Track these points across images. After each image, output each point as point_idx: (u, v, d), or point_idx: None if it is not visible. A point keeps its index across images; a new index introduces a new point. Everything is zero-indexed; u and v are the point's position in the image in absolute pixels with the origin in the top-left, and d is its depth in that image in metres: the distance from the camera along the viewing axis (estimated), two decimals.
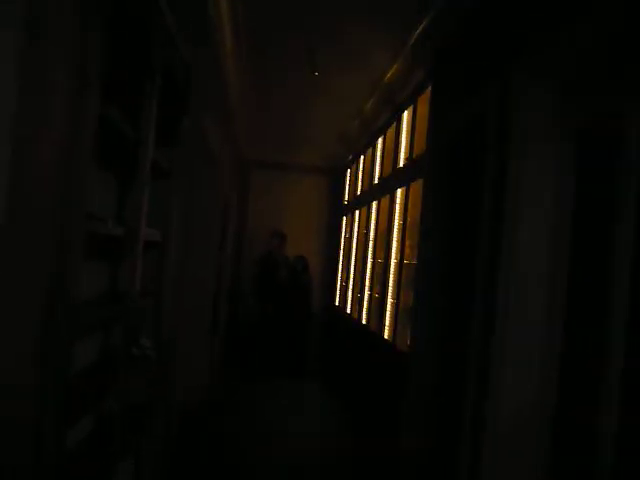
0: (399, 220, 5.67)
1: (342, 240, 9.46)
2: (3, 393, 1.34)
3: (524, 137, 2.87)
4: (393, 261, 5.74)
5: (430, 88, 4.71)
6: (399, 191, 5.71)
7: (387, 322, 5.76)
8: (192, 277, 4.64)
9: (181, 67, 2.63)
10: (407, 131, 5.64)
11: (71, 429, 1.74)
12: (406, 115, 5.69)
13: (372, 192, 7.05)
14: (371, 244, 6.99)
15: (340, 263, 9.46)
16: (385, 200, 6.24)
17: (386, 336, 5.72)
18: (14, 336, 1.38)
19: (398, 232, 5.67)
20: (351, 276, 8.33)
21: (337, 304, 9.31)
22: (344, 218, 9.38)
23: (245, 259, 9.57)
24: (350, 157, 8.97)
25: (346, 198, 9.40)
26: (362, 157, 8.08)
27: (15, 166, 1.28)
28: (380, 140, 6.88)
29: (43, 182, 1.44)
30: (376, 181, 6.91)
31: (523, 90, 2.85)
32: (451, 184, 3.97)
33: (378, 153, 6.97)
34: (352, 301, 8.13)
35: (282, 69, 5.94)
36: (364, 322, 6.96)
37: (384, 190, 6.29)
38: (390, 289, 5.76)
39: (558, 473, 2.74)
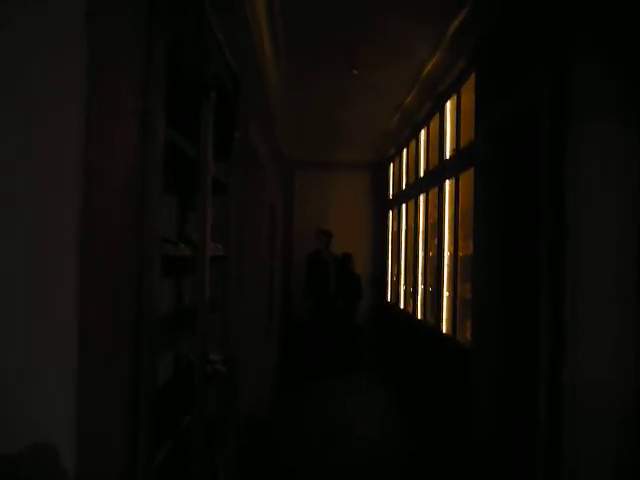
0: (450, 212, 5.59)
1: (390, 235, 9.39)
2: (98, 415, 1.35)
3: (581, 119, 2.79)
4: (446, 254, 5.68)
5: (474, 76, 4.64)
6: (448, 182, 5.63)
7: (444, 316, 5.69)
8: (247, 285, 4.66)
9: (231, 80, 2.63)
10: (451, 121, 5.56)
11: (159, 447, 1.75)
12: (449, 105, 5.61)
13: (418, 185, 6.99)
14: (421, 237, 6.93)
15: (389, 258, 9.40)
16: (433, 192, 6.16)
17: (444, 330, 5.66)
18: (104, 362, 1.39)
19: (450, 224, 5.59)
20: (402, 271, 8.27)
21: (389, 300, 9.26)
22: (390, 213, 9.32)
23: (294, 260, 9.59)
24: (393, 151, 8.90)
25: (391, 192, 9.34)
26: (405, 150, 8.02)
27: (89, 196, 1.28)
28: (423, 132, 6.81)
29: (118, 210, 1.45)
30: (422, 174, 6.84)
31: (581, 72, 2.77)
32: (504, 171, 3.90)
33: (422, 145, 6.90)
34: (405, 296, 8.07)
35: (321, 69, 5.91)
36: (419, 317, 6.90)
37: (432, 182, 6.22)
38: (445, 282, 5.69)
39: None
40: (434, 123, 6.21)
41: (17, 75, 1.25)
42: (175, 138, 1.91)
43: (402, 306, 8.16)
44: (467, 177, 4.96)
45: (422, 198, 6.83)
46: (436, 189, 5.97)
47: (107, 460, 1.44)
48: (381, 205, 9.74)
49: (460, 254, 5.22)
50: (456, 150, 5.30)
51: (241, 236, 3.50)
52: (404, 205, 8.11)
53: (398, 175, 8.60)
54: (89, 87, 1.27)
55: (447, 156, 5.65)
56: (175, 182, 2.52)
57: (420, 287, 6.92)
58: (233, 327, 3.11)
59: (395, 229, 8.93)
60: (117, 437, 1.51)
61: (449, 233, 5.62)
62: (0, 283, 1.23)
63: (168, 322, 2.31)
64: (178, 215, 2.67)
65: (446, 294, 5.68)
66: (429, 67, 5.51)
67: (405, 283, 8.09)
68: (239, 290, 3.53)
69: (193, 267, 2.27)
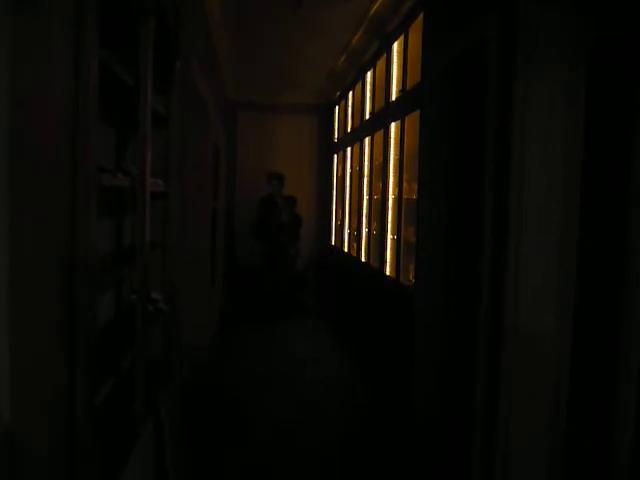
0: (395, 155, 5.57)
1: (335, 178, 9.36)
2: (35, 356, 1.29)
3: (529, 59, 2.77)
4: (391, 197, 5.68)
5: (422, 16, 4.56)
6: (393, 125, 5.59)
7: (388, 259, 5.73)
8: (189, 225, 4.57)
9: (172, 10, 2.50)
10: (398, 63, 5.49)
11: (99, 387, 1.70)
12: (396, 46, 5.53)
13: (364, 128, 6.93)
14: (366, 180, 6.91)
15: (334, 202, 9.39)
16: (379, 135, 6.12)
17: (388, 272, 5.71)
18: (38, 302, 1.32)
19: (395, 167, 5.58)
20: (347, 214, 8.27)
21: (333, 243, 9.29)
22: (335, 156, 9.26)
23: (237, 203, 9.48)
24: (338, 94, 8.79)
25: (336, 136, 9.26)
26: (351, 93, 7.92)
27: (19, 120, 1.19)
28: (369, 74, 6.72)
29: (51, 135, 1.35)
30: (367, 116, 6.77)
31: (528, 13, 2.74)
32: (450, 112, 3.88)
33: (368, 88, 6.81)
34: (349, 240, 8.10)
35: (265, 8, 5.72)
36: (363, 260, 6.94)
37: (377, 125, 6.17)
38: (389, 225, 5.71)
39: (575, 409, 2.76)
40: (381, 64, 6.12)
41: None
42: (111, 65, 1.80)
43: (346, 249, 8.20)
44: (413, 119, 4.94)
45: (367, 141, 6.78)
46: (381, 132, 5.93)
47: (43, 402, 1.39)
48: (326, 149, 9.66)
49: (405, 197, 5.23)
50: (402, 92, 5.25)
51: (183, 174, 3.40)
52: (349, 148, 8.06)
53: (344, 118, 8.51)
54: (16, 10, 1.17)
55: (393, 98, 5.60)
56: (113, 113, 2.41)
57: (364, 230, 6.94)
58: (175, 267, 3.04)
59: (340, 173, 8.89)
60: (53, 377, 1.45)
61: (394, 176, 5.62)
62: None
63: (108, 262, 2.23)
64: (116, 149, 2.56)
65: (390, 237, 5.71)
66: (376, 6, 5.40)
67: (349, 227, 8.11)
68: (181, 229, 3.45)
69: (133, 204, 2.19)
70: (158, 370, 2.72)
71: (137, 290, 2.17)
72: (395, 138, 5.58)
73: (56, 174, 1.38)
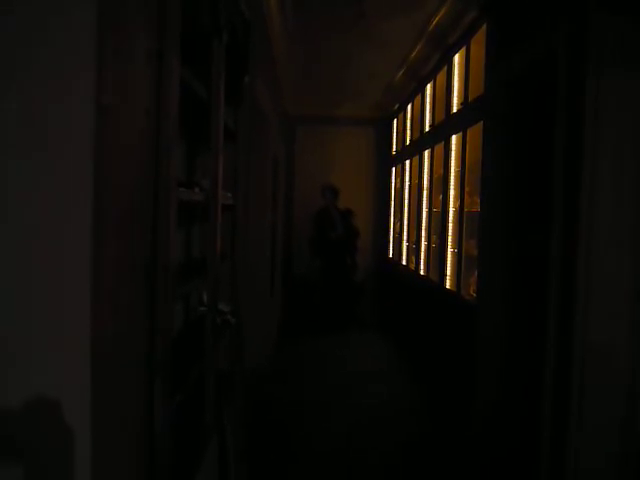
0: (456, 167, 5.52)
1: (392, 191, 9.32)
2: (113, 362, 1.32)
3: (600, 72, 2.71)
4: (451, 209, 5.62)
5: (485, 27, 4.52)
6: (454, 137, 5.55)
7: (448, 272, 5.67)
8: (252, 238, 4.62)
9: (242, 24, 2.54)
10: (460, 74, 5.45)
11: (173, 398, 1.72)
12: (457, 58, 5.49)
13: (424, 140, 6.89)
14: (425, 193, 6.86)
15: (392, 215, 9.35)
16: (439, 147, 6.07)
17: (448, 286, 5.64)
18: (119, 310, 1.35)
19: (455, 179, 5.53)
20: (405, 227, 8.22)
21: (391, 256, 9.24)
22: (393, 169, 9.23)
23: (295, 216, 9.54)
24: (397, 106, 8.77)
25: (394, 148, 9.24)
26: (410, 106, 7.89)
27: (102, 137, 1.22)
28: (429, 86, 6.69)
29: (134, 150, 1.39)
30: (427, 128, 6.74)
31: (599, 23, 2.69)
32: (515, 125, 3.82)
33: (428, 100, 6.78)
34: (407, 253, 8.05)
35: (326, 20, 5.75)
36: (422, 273, 6.88)
37: (437, 137, 6.13)
38: (450, 238, 5.65)
39: None
40: (441, 77, 6.09)
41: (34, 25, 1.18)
42: (188, 78, 1.84)
43: (404, 262, 8.14)
44: (475, 131, 4.89)
45: (427, 153, 6.74)
46: (442, 144, 5.89)
47: (124, 412, 1.41)
48: (384, 161, 9.64)
49: (466, 210, 5.17)
50: (464, 104, 5.20)
51: (247, 187, 3.44)
52: (408, 161, 8.02)
53: (402, 131, 8.48)
54: (102, 27, 1.20)
55: (454, 110, 5.55)
56: (184, 127, 2.45)
57: (423, 243, 6.88)
58: (241, 279, 3.07)
59: (398, 185, 8.86)
60: (133, 388, 1.48)
61: (455, 188, 5.56)
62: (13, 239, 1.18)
63: (178, 272, 2.26)
64: (186, 162, 2.61)
65: (450, 250, 5.64)
66: (438, 18, 5.37)
67: (408, 240, 8.06)
68: (244, 242, 3.48)
69: (203, 216, 2.22)
70: (225, 383, 2.75)
71: (207, 302, 2.20)
72: (456, 150, 5.53)
73: (137, 185, 1.42)
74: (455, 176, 5.55)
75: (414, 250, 7.43)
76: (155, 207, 1.45)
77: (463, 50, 5.27)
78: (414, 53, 6.47)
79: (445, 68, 5.83)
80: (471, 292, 5.00)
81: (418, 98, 7.27)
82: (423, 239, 6.89)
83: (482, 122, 4.45)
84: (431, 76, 6.52)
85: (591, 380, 2.75)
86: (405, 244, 8.21)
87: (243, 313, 3.55)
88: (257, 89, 4.11)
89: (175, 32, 1.48)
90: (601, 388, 2.75)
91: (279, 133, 7.47)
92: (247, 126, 2.91)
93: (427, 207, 6.78)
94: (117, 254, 1.31)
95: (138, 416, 1.49)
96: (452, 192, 5.61)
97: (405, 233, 8.20)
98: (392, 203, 9.33)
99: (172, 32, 1.47)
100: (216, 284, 2.19)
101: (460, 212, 5.25)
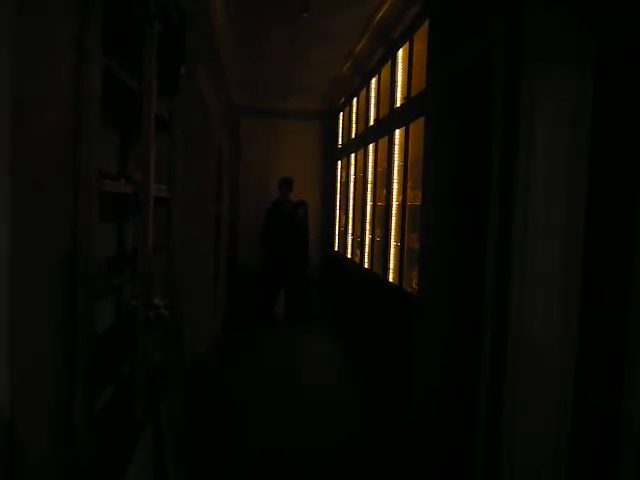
0: (399, 161, 5.57)
1: (338, 184, 9.34)
2: (33, 362, 1.28)
3: (536, 68, 2.76)
4: (395, 203, 5.67)
5: (428, 22, 4.55)
6: (398, 132, 5.59)
7: (391, 265, 5.72)
8: (193, 230, 4.56)
9: (177, 13, 2.49)
10: (403, 69, 5.49)
11: (99, 394, 1.69)
12: (401, 53, 5.53)
13: (368, 134, 6.92)
14: (370, 187, 6.90)
15: (337, 208, 9.37)
16: (383, 142, 6.11)
17: (391, 279, 5.69)
18: (37, 307, 1.31)
19: (399, 174, 5.57)
20: (350, 221, 8.26)
21: (336, 249, 9.27)
22: (339, 162, 9.25)
23: (241, 207, 9.47)
24: (342, 100, 8.78)
25: (340, 142, 9.25)
26: (355, 99, 7.91)
27: (20, 123, 1.18)
28: (374, 80, 6.72)
29: (52, 138, 1.34)
30: (372, 122, 6.77)
31: (535, 22, 2.73)
32: (455, 120, 3.86)
33: (373, 94, 6.81)
34: (352, 246, 8.08)
35: (271, 14, 5.71)
36: (366, 266, 6.92)
37: (381, 131, 6.17)
38: (393, 232, 5.70)
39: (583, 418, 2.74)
40: (385, 71, 6.12)
41: None
42: (115, 69, 1.79)
43: (349, 256, 8.18)
44: (417, 126, 4.93)
45: (372, 147, 6.77)
46: (386, 138, 5.93)
47: (43, 409, 1.37)
48: (330, 155, 9.65)
49: (408, 203, 5.22)
50: (407, 98, 5.24)
51: (187, 179, 3.39)
52: (353, 155, 8.04)
53: (348, 124, 8.51)
54: (20, 9, 1.15)
55: (398, 104, 5.59)
56: (116, 119, 2.39)
57: (367, 237, 6.92)
58: (178, 273, 3.03)
59: (344, 179, 8.88)
60: (52, 384, 1.44)
61: (398, 183, 5.61)
62: None
63: (109, 266, 2.22)
64: (120, 154, 2.55)
65: (393, 244, 5.69)
66: (382, 12, 5.39)
67: (352, 233, 8.09)
68: (184, 235, 3.44)
69: (135, 209, 2.18)
70: (158, 377, 2.70)
71: (137, 295, 2.16)
72: (399, 145, 5.58)
73: (57, 178, 1.37)
74: (398, 170, 5.59)
75: (359, 243, 7.47)
76: (75, 200, 1.41)
77: (407, 45, 5.30)
78: (359, 47, 6.49)
79: (389, 63, 5.86)
80: (413, 285, 5.06)
81: (363, 92, 7.30)
82: (367, 232, 6.93)
83: (424, 117, 4.48)
84: (376, 70, 6.54)
85: (524, 372, 2.81)
86: (350, 237, 8.25)
87: (183, 306, 3.50)
88: (199, 79, 4.04)
89: (97, 18, 1.43)
90: (534, 379, 2.82)
91: (224, 124, 7.38)
92: (183, 117, 2.86)
93: (372, 201, 6.82)
94: (35, 250, 1.27)
95: (59, 417, 1.45)
96: (395, 186, 5.65)
97: (350, 226, 8.24)
98: (338, 196, 9.36)
99: (94, 18, 1.42)
100: (147, 277, 2.15)
101: (403, 206, 5.30)
